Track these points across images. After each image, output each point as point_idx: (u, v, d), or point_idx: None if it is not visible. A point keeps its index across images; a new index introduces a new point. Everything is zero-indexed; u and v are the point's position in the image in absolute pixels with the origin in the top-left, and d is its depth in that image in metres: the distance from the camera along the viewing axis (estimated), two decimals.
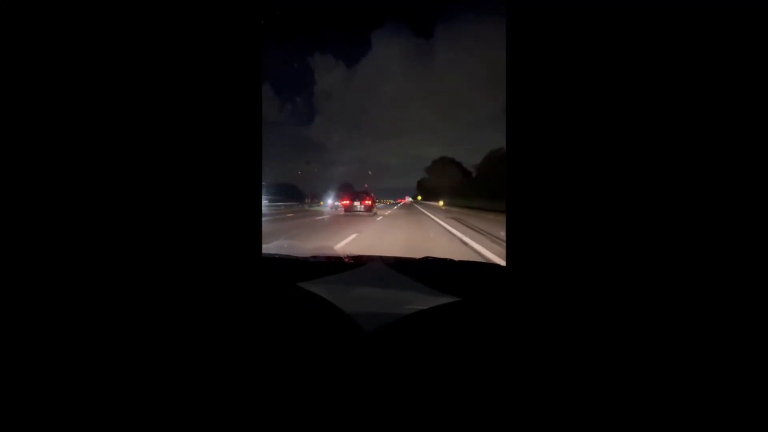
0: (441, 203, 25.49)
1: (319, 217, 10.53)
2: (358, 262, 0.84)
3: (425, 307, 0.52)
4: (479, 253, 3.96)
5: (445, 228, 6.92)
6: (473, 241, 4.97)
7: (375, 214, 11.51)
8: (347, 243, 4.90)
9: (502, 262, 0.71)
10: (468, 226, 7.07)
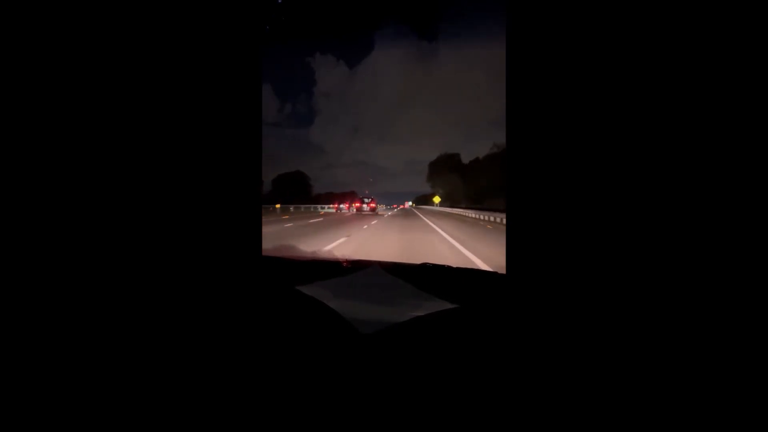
0: None
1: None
2: (356, 266, 0.83)
3: (423, 313, 0.51)
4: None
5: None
6: None
7: (377, 213, 16.59)
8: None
9: (499, 270, 0.71)
10: None
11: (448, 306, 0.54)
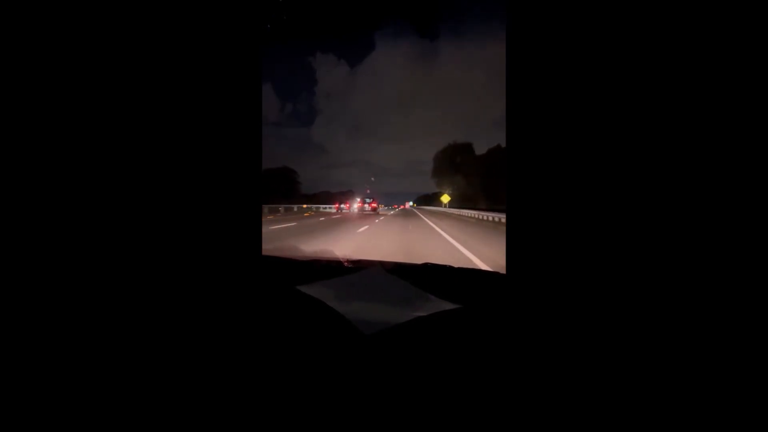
0: None
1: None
2: (358, 266, 0.83)
3: (426, 314, 0.51)
4: None
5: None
6: None
7: (377, 213, 17.60)
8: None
9: (501, 270, 0.71)
10: None
11: (451, 306, 0.54)
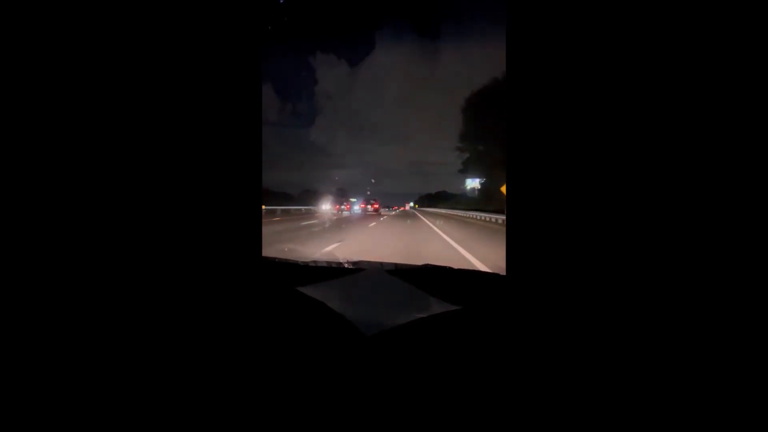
0: None
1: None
2: (358, 267, 0.83)
3: (425, 315, 0.51)
4: None
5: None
6: None
7: (379, 213, 19.33)
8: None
9: (501, 272, 0.72)
10: None
11: (451, 308, 0.54)
